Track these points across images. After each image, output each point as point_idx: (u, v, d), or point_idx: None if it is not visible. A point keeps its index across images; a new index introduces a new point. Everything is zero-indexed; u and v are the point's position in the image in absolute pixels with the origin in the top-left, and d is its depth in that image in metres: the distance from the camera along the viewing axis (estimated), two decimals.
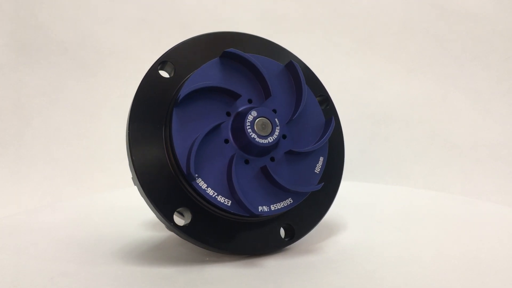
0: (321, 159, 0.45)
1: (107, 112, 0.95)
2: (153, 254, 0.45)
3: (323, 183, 0.44)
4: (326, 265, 0.41)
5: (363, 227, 0.54)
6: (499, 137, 0.94)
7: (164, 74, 0.43)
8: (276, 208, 0.42)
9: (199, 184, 0.39)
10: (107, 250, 0.46)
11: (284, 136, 0.44)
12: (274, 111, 0.44)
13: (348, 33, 1.02)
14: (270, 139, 0.41)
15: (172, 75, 0.43)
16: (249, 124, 0.40)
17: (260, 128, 0.41)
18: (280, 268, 0.40)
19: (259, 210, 0.41)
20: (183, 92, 0.39)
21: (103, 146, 0.93)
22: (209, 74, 0.42)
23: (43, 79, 0.93)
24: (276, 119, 0.42)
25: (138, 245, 0.49)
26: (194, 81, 0.41)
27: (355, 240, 0.49)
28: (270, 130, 0.42)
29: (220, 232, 0.42)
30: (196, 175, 0.39)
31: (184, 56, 0.44)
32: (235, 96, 0.42)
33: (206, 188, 0.39)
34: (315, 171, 0.45)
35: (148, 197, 0.39)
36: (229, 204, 0.40)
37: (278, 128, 0.42)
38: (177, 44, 0.44)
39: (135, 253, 0.45)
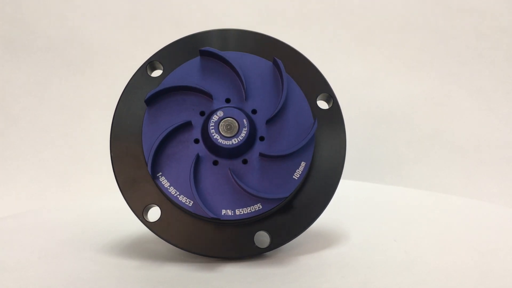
0: (303, 164, 0.42)
1: (96, 112, 0.93)
2: (134, 249, 0.47)
3: (292, 191, 0.41)
4: (282, 279, 0.38)
5: (355, 238, 0.51)
6: (503, 137, 0.92)
7: (156, 74, 0.45)
8: (242, 213, 0.40)
9: (162, 182, 0.40)
10: (94, 244, 0.49)
11: (261, 138, 0.42)
12: (254, 111, 0.43)
13: (346, 30, 0.99)
14: (235, 140, 0.40)
15: (161, 75, 0.44)
16: (213, 124, 0.40)
17: (224, 129, 0.40)
18: (235, 276, 0.39)
19: (222, 214, 0.40)
20: (149, 93, 0.41)
21: (91, 147, 0.91)
22: (187, 73, 0.42)
23: (29, 77, 0.91)
24: (244, 120, 0.40)
25: (125, 239, 0.51)
26: (170, 80, 0.42)
27: (341, 252, 0.45)
28: (236, 131, 0.40)
29: (187, 232, 0.42)
30: (160, 173, 0.40)
31: (175, 55, 0.44)
32: (208, 95, 0.42)
33: (168, 187, 0.40)
34: (293, 177, 0.42)
35: (121, 193, 0.42)
36: (190, 205, 0.40)
37: (246, 129, 0.40)
38: (169, 44, 0.45)
39: (120, 246, 0.48)
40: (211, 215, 0.39)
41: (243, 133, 0.40)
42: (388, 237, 0.51)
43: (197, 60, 0.43)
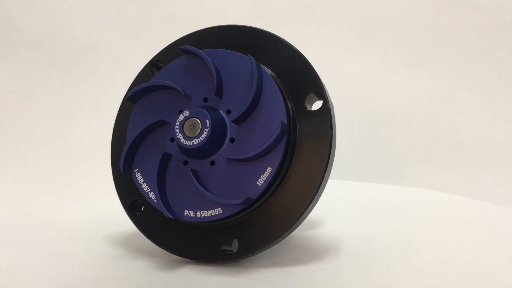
0: (268, 170, 0.38)
1: (84, 111, 0.90)
2: (126, 242, 0.49)
3: (244, 198, 0.38)
4: None
5: (345, 253, 0.45)
6: (507, 137, 0.90)
7: None
8: (203, 215, 0.40)
9: (137, 178, 0.42)
10: (91, 236, 0.51)
11: (231, 140, 0.41)
12: (229, 111, 0.41)
13: (345, 26, 0.97)
14: (196, 141, 0.40)
15: None
16: (178, 124, 0.40)
17: (188, 128, 0.40)
18: (184, 278, 0.38)
19: (184, 214, 0.40)
20: (131, 91, 0.42)
21: (79, 148, 0.89)
22: (171, 72, 0.43)
23: (14, 75, 0.88)
24: (207, 120, 0.39)
25: (122, 233, 0.53)
26: (153, 79, 0.43)
27: (313, 270, 0.40)
28: (198, 132, 0.39)
29: (160, 228, 0.43)
30: (137, 169, 0.42)
31: (175, 55, 0.45)
32: (185, 94, 0.42)
33: (142, 183, 0.41)
34: (257, 183, 0.39)
35: (115, 186, 0.45)
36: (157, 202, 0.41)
37: (208, 130, 0.39)
38: (171, 43, 0.46)
39: (120, 239, 0.50)
40: (167, 214, 0.39)
41: (204, 133, 0.39)
42: (384, 251, 0.46)
43: (182, 59, 0.43)
